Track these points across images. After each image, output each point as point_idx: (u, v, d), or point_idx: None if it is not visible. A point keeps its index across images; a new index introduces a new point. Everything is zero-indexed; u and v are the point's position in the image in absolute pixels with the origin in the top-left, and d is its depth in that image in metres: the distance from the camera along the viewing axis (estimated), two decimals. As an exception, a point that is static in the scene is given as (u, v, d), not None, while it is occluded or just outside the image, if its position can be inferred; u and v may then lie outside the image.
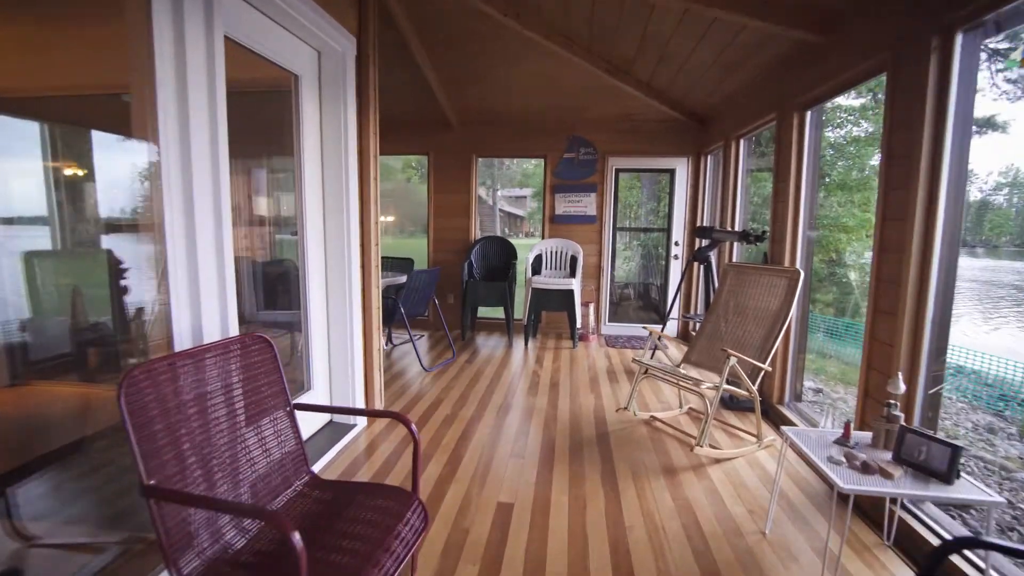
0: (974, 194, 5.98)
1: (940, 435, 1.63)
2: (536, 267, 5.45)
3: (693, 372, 3.03)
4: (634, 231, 6.65)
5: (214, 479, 1.38)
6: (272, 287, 2.92)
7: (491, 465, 2.58)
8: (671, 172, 5.57)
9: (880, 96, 6.10)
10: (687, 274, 5.09)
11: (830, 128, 7.63)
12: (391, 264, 5.37)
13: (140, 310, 2.09)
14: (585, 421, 3.18)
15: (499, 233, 17.59)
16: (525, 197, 19.45)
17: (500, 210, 19.02)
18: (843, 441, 1.82)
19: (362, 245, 2.99)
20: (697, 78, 4.05)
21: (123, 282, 2.09)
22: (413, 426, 1.58)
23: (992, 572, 1.65)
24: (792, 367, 3.28)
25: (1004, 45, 2.89)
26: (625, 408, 3.22)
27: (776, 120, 3.38)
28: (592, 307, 5.49)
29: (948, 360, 2.08)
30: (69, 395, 2.05)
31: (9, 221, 1.85)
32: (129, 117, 1.68)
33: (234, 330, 1.97)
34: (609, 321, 5.81)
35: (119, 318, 2.09)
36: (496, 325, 5.91)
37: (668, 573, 1.81)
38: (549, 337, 5.52)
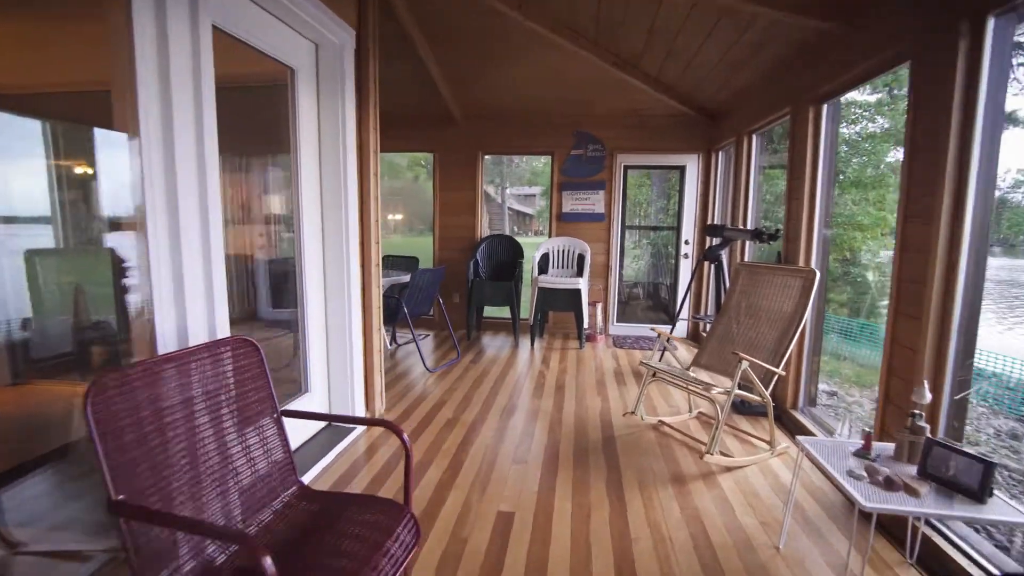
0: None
1: (967, 447, 1.52)
2: (543, 266, 5.35)
3: (703, 375, 2.93)
4: (643, 229, 6.52)
5: (192, 492, 1.30)
6: (281, 285, 2.86)
7: (493, 471, 2.50)
8: (681, 169, 5.44)
9: (896, 92, 5.93)
10: (697, 273, 4.97)
11: (844, 124, 7.45)
12: (395, 263, 5.30)
13: (142, 309, 2.04)
14: (591, 425, 3.08)
15: (508, 232, 17.49)
16: (534, 195, 19.35)
17: (509, 208, 18.92)
18: (863, 453, 1.71)
19: (362, 243, 2.92)
20: (707, 72, 3.93)
21: (125, 281, 2.04)
22: (405, 436, 1.50)
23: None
24: (806, 370, 3.16)
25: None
26: (632, 412, 3.12)
27: (790, 114, 3.25)
28: (600, 307, 5.38)
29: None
30: (71, 394, 2.00)
31: (9, 220, 1.81)
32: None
33: (224, 332, 1.90)
34: (617, 321, 5.70)
35: (121, 317, 2.04)
36: (502, 325, 5.82)
37: (675, 590, 1.72)
38: (556, 337, 5.42)
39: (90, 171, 2.06)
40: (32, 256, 1.92)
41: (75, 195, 2.03)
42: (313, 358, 2.75)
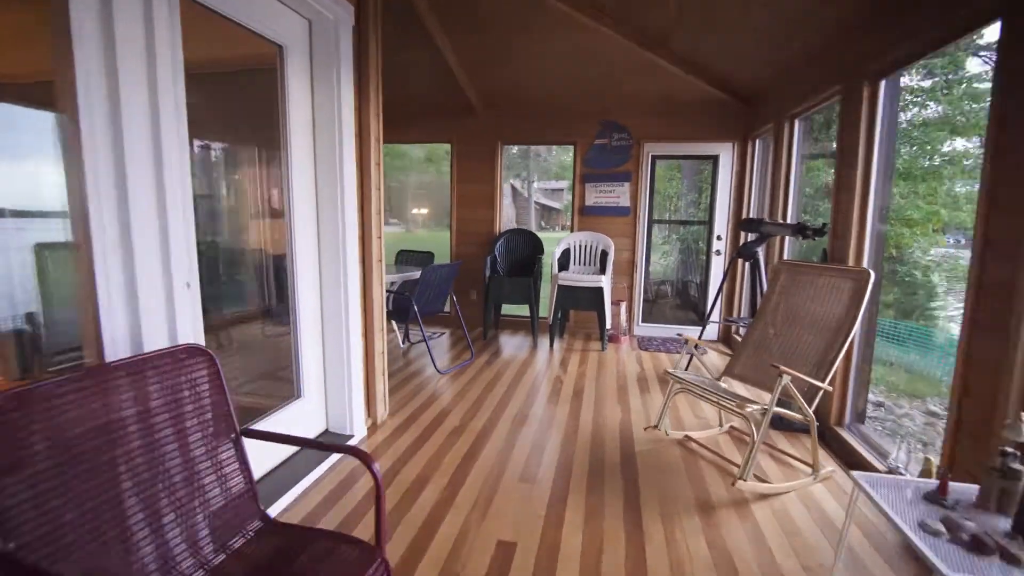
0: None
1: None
2: (563, 262, 5.06)
3: (737, 387, 2.62)
4: (672, 224, 6.16)
5: (116, 535, 1.10)
6: (287, 281, 2.66)
7: (496, 491, 2.25)
8: (714, 159, 5.06)
9: (951, 77, 5.42)
10: (730, 272, 4.60)
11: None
12: (410, 258, 5.10)
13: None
14: (609, 439, 2.80)
15: (535, 226, 17.19)
16: (562, 190, 19.00)
17: (536, 202, 18.60)
18: (938, 498, 1.39)
19: (361, 237, 2.71)
20: (746, 48, 3.57)
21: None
22: (375, 466, 1.27)
23: None
24: (854, 382, 2.80)
25: None
26: (655, 426, 2.82)
27: (841, 94, 2.88)
28: (624, 306, 5.06)
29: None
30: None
31: (22, 214, 1.63)
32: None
33: (194, 337, 1.71)
34: (643, 321, 5.37)
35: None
36: (521, 323, 5.57)
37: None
38: (577, 337, 5.14)
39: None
40: (42, 250, 1.77)
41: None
42: (307, 361, 2.55)
